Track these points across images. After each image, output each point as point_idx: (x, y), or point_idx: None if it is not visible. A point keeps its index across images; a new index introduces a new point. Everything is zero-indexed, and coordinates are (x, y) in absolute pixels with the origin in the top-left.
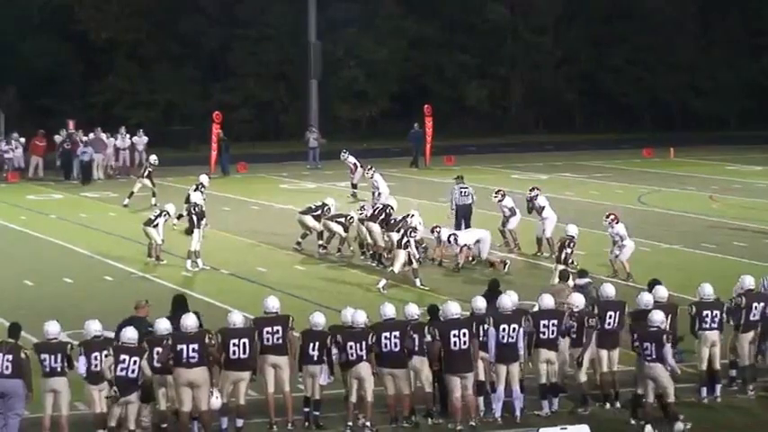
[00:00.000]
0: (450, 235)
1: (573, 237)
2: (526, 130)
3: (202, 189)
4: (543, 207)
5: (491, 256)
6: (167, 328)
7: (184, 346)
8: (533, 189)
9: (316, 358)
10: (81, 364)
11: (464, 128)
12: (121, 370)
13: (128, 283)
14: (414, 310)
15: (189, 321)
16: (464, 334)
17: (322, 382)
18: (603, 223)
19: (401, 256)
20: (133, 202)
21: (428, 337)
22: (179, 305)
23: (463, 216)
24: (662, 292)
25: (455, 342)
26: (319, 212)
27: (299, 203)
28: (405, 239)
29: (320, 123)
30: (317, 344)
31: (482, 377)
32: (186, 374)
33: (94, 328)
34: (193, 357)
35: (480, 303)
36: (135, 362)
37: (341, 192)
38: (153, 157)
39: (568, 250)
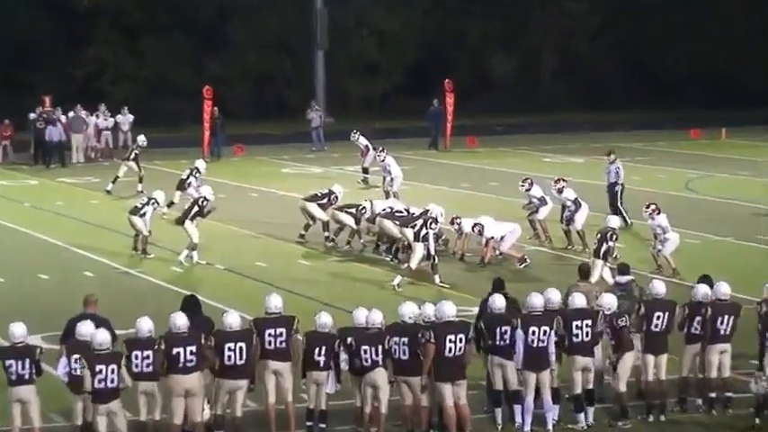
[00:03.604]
0: (474, 225)
1: (614, 229)
2: (559, 107)
3: (197, 175)
4: (573, 200)
5: (512, 249)
6: (150, 329)
7: (181, 350)
8: (559, 180)
9: (322, 364)
10: (61, 366)
11: (489, 105)
12: (99, 382)
13: (110, 280)
14: (429, 311)
15: (180, 320)
16: (461, 339)
17: (329, 390)
18: (644, 214)
19: (419, 250)
20: (117, 189)
21: (423, 340)
22: (190, 307)
23: (608, 197)
24: (724, 288)
25: (450, 348)
26: (325, 201)
27: (304, 190)
28: (423, 231)
29: (327, 100)
30: (323, 348)
31: (515, 386)
32: (182, 381)
33: (83, 331)
34: (191, 361)
35: (499, 303)
36: (113, 370)
37: (350, 177)
38: (140, 138)
39: (610, 244)
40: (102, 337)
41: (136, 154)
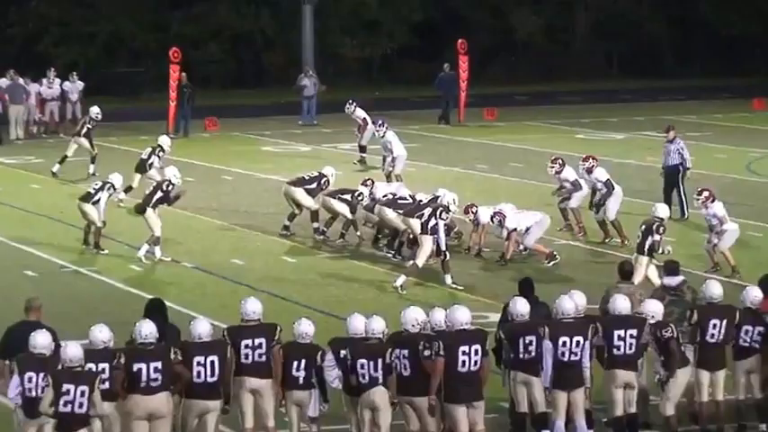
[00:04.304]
0: (493, 214)
1: (662, 220)
2: (595, 73)
3: (160, 154)
4: (605, 182)
5: (539, 243)
6: (105, 339)
7: (143, 366)
8: (588, 158)
9: (302, 381)
10: (13, 386)
11: (511, 70)
12: (65, 404)
13: (56, 280)
14: (439, 318)
15: (147, 329)
16: (476, 351)
17: (311, 413)
18: (695, 202)
19: (427, 244)
20: (65, 170)
21: (426, 353)
22: (154, 313)
23: (667, 181)
24: None
25: (464, 361)
26: (315, 186)
27: (289, 172)
28: (432, 222)
29: (317, 65)
30: (303, 361)
31: (542, 408)
32: (146, 403)
33: (40, 342)
34: (155, 380)
35: (522, 308)
36: (83, 393)
37: (344, 156)
38: (93, 110)
39: (656, 237)
40: (73, 351)
41: (88, 129)
